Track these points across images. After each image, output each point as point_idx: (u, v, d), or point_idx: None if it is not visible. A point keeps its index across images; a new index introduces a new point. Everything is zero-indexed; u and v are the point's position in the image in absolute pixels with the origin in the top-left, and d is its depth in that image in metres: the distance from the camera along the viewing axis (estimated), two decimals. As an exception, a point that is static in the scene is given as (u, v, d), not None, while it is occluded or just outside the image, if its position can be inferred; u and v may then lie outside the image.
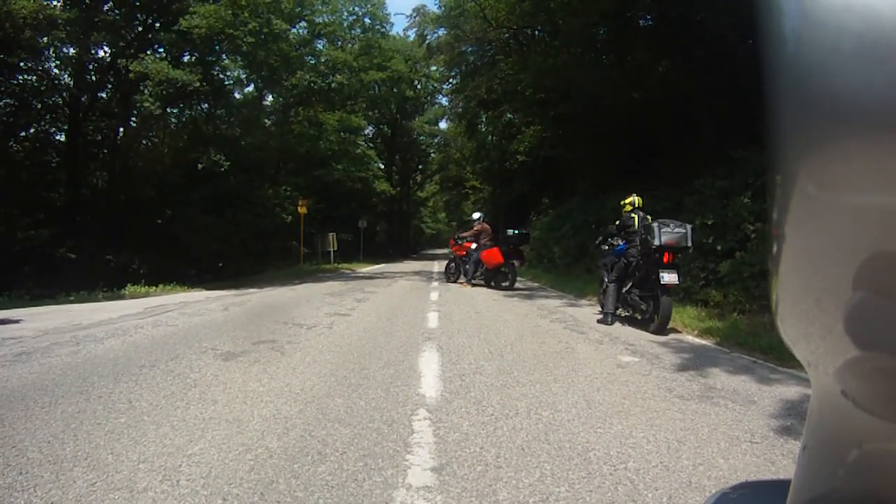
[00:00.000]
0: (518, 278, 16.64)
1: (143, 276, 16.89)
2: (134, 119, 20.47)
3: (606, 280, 8.50)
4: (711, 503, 0.56)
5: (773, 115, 0.29)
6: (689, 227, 7.09)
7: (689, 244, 7.04)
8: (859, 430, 0.31)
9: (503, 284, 13.02)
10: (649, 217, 8.07)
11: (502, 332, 6.60)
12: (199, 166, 15.71)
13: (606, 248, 8.94)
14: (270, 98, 32.62)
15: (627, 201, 8.27)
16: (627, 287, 7.85)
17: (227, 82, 19.28)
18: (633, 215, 8.06)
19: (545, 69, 20.79)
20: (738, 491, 0.58)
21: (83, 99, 19.38)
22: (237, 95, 26.96)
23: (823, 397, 0.33)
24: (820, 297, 0.29)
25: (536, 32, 27.06)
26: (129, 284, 14.54)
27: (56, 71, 19.11)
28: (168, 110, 19.69)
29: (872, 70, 0.24)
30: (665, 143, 16.79)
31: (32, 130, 20.41)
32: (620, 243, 8.46)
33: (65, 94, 19.43)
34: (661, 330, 7.02)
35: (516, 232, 13.69)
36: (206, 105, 18.59)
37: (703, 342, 6.56)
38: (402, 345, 5.57)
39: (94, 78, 19.21)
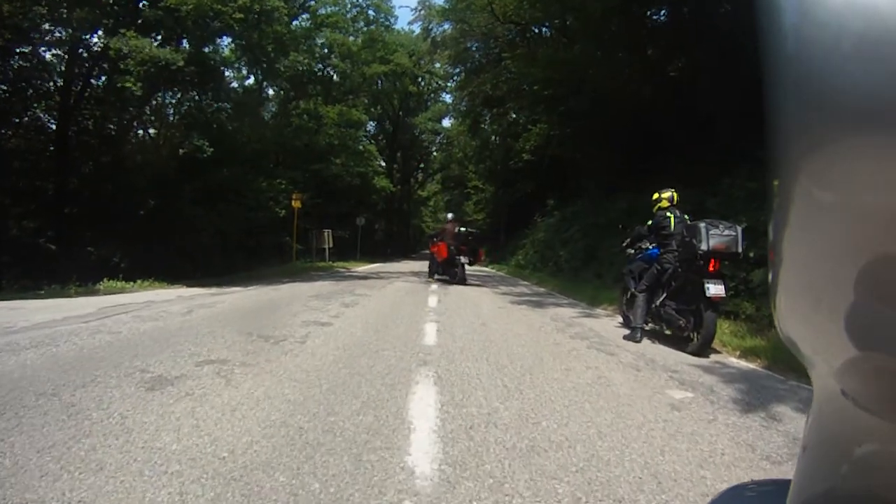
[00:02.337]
0: (524, 283, 16.88)
1: (123, 269, 16.12)
2: (132, 108, 19.51)
3: (633, 290, 7.31)
4: (718, 502, 0.55)
5: (773, 115, 0.30)
6: (739, 229, 5.92)
7: (740, 250, 5.89)
8: (859, 430, 0.31)
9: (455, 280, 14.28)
10: (687, 216, 6.88)
11: (516, 352, 5.33)
12: (181, 151, 14.44)
13: (633, 252, 7.76)
14: (271, 91, 32.03)
15: (664, 196, 7.03)
16: (661, 298, 6.66)
17: (222, 66, 18.00)
18: (668, 214, 6.84)
19: (555, 62, 19.89)
20: (742, 490, 0.60)
21: (74, 87, 18.43)
22: (236, 86, 26.10)
23: (824, 397, 0.33)
24: (820, 297, 0.29)
25: (545, 30, 26.34)
26: (105, 279, 13.41)
27: (48, 56, 18.35)
28: (165, 100, 18.80)
29: (872, 70, 0.24)
30: (680, 142, 15.86)
31: (26, 118, 19.40)
32: (650, 247, 7.30)
33: (58, 80, 18.54)
34: (703, 351, 5.91)
35: (463, 230, 14.87)
36: (196, 90, 17.31)
37: (750, 365, 5.49)
38: (388, 372, 4.28)
39: (86, 64, 18.17)
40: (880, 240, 0.25)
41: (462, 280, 14.20)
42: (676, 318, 6.29)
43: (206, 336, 5.58)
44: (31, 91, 18.55)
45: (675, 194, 7.03)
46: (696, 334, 6.04)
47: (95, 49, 17.75)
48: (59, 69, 18.75)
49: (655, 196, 7.13)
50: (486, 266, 29.43)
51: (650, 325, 6.88)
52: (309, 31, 27.43)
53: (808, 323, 0.31)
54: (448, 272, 14.58)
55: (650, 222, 7.05)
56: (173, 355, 4.70)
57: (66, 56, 18.22)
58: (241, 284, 13.54)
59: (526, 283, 17.11)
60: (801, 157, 0.28)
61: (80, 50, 17.85)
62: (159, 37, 16.29)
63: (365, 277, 16.38)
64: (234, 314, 7.33)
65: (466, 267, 14.71)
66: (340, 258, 27.35)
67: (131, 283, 13.24)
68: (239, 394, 3.59)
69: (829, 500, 0.35)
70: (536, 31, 26.79)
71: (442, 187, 56.94)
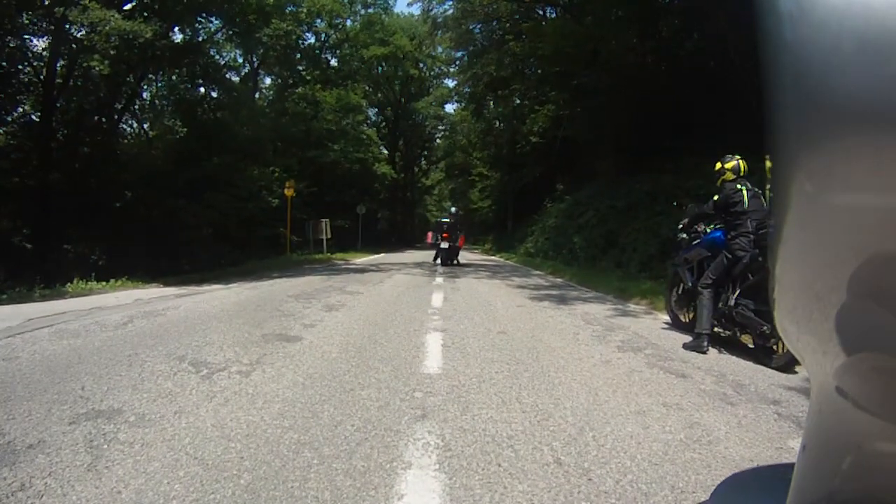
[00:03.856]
0: (537, 272, 15.64)
1: (102, 268, 14.99)
2: (101, 94, 18.20)
3: (690, 283, 5.78)
4: (722, 490, 0.54)
5: (772, 113, 0.29)
6: None
7: None
8: (858, 431, 0.31)
9: (437, 262, 17.16)
10: (760, 191, 5.31)
11: (557, 382, 3.70)
12: (152, 133, 12.91)
13: (686, 236, 6.20)
14: (269, 80, 30.97)
15: (729, 166, 5.42)
16: (733, 296, 5.12)
17: (197, 41, 16.48)
18: (738, 186, 5.26)
19: (566, 34, 18.42)
20: (743, 477, 0.57)
21: (58, 78, 17.10)
22: (227, 71, 24.80)
23: (823, 397, 0.33)
24: (819, 296, 0.29)
25: (549, 10, 25.00)
26: (75, 279, 12.02)
27: (38, 47, 17.13)
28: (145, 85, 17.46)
29: (872, 70, 0.24)
30: (708, 119, 14.50)
31: (16, 115, 18.42)
32: (710, 230, 5.77)
33: (42, 71, 17.25)
34: (792, 365, 4.36)
35: (437, 220, 19.46)
36: (171, 67, 15.79)
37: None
38: (362, 439, 2.62)
39: (72, 49, 16.79)
40: (879, 240, 0.25)
41: (444, 261, 16.87)
42: (757, 323, 4.76)
43: (121, 364, 4.00)
44: (14, 82, 17.20)
45: (742, 163, 5.43)
46: (781, 343, 4.53)
47: (80, 36, 16.30)
48: (42, 59, 17.48)
49: (718, 166, 5.52)
50: (494, 255, 28.08)
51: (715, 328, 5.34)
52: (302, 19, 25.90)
53: (807, 322, 0.30)
54: (440, 255, 17.08)
55: (716, 198, 5.44)
56: (52, 400, 3.14)
57: (49, 45, 16.86)
58: (224, 281, 12.02)
59: (539, 272, 15.56)
60: (800, 157, 0.27)
61: (63, 47, 16.29)
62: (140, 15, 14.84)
63: (363, 270, 14.77)
64: (179, 326, 5.68)
65: (461, 253, 18.19)
66: (341, 249, 25.85)
67: (103, 283, 11.84)
68: (94, 494, 2.03)
69: (828, 500, 0.35)
70: (541, 12, 25.52)
71: (446, 175, 55.62)
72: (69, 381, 3.58)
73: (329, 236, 24.28)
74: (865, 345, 0.27)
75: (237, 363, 4.01)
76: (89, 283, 11.75)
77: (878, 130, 0.23)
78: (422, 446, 2.54)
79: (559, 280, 13.05)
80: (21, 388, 3.44)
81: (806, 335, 0.30)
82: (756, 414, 3.24)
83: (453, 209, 19.66)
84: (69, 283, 11.42)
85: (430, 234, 18.81)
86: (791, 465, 0.39)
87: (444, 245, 16.69)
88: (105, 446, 2.50)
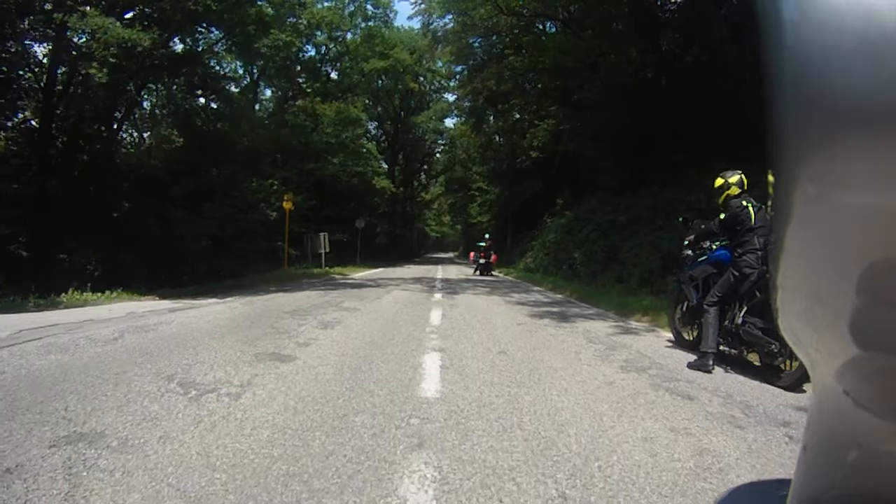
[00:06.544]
0: (537, 288, 15.54)
1: (98, 278, 14.98)
2: (100, 103, 18.15)
3: (695, 301, 5.67)
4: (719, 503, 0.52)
5: (773, 115, 0.29)
6: None
7: None
8: (859, 430, 0.31)
9: (477, 273, 22.54)
10: (763, 206, 5.20)
11: (560, 407, 3.52)
12: (149, 142, 12.84)
13: (691, 253, 6.08)
14: (269, 92, 31.02)
15: (733, 180, 5.30)
16: (740, 314, 4.99)
17: (195, 48, 16.44)
18: (744, 203, 5.14)
19: (566, 48, 18.38)
20: (745, 490, 0.56)
21: (58, 85, 17.10)
22: (231, 84, 24.81)
23: (824, 397, 0.33)
24: (821, 297, 0.29)
25: (549, 25, 25.03)
26: (71, 290, 11.89)
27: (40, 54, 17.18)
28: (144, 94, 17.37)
29: (872, 70, 0.24)
30: (711, 132, 14.34)
31: (16, 120, 18.37)
32: (715, 247, 5.65)
33: (42, 78, 17.27)
34: (800, 384, 4.24)
35: (482, 244, 23.60)
36: (169, 76, 15.73)
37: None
38: (355, 471, 2.44)
39: (73, 54, 16.77)
40: (880, 240, 0.25)
41: (483, 272, 22.53)
42: (766, 342, 4.64)
43: (108, 383, 3.85)
44: (14, 88, 17.08)
45: (744, 178, 5.32)
46: (789, 361, 4.42)
47: (80, 43, 16.29)
48: (43, 65, 17.58)
49: (719, 182, 5.40)
50: (493, 270, 28.01)
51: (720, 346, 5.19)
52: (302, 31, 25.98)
53: (809, 322, 0.30)
54: (480, 269, 22.81)
55: (722, 216, 5.32)
56: (34, 420, 3.01)
57: (49, 51, 16.96)
58: (220, 295, 11.87)
59: (539, 288, 15.40)
60: (802, 157, 0.27)
61: (63, 53, 16.29)
62: (141, 24, 14.79)
63: (360, 285, 14.62)
64: (171, 343, 5.52)
65: (491, 270, 23.15)
66: (340, 263, 25.67)
67: (99, 295, 11.71)
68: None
69: (829, 500, 0.35)
70: (541, 27, 25.56)
71: (445, 189, 55.63)
72: (53, 399, 3.45)
73: (327, 250, 24.13)
74: (868, 345, 0.27)
75: (227, 384, 3.86)
76: (84, 293, 11.65)
77: (879, 131, 0.23)
78: (418, 479, 2.38)
79: (559, 296, 12.89)
80: (3, 406, 3.31)
81: (808, 335, 0.30)
82: (766, 437, 3.11)
83: (487, 236, 25.50)
84: (64, 294, 11.31)
85: (472, 254, 27.47)
86: (789, 481, 0.38)
87: (482, 261, 22.82)
88: (84, 473, 2.36)
